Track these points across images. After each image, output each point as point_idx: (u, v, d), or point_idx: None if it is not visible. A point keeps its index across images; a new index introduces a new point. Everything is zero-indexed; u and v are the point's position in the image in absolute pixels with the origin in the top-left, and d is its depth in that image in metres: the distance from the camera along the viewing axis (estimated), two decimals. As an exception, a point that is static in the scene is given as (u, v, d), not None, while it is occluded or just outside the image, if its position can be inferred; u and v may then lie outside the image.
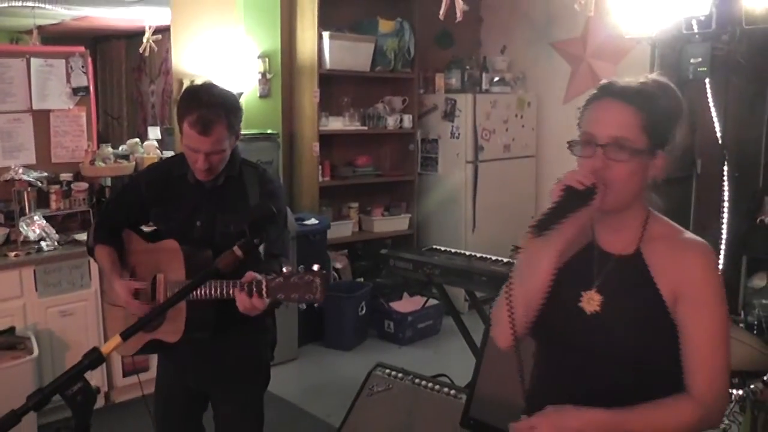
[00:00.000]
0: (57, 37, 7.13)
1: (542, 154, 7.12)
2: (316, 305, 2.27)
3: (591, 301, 1.84)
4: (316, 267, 2.20)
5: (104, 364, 4.71)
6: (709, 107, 5.59)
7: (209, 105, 2.56)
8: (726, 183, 5.59)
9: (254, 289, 2.25)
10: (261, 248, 2.36)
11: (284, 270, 2.21)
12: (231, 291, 2.34)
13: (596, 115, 1.78)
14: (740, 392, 3.44)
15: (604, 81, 1.86)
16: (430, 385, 3.87)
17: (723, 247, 5.58)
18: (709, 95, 5.57)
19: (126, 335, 1.71)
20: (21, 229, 4.66)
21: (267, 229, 1.97)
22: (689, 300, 1.75)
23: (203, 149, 2.58)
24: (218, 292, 2.39)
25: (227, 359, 2.83)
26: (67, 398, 1.64)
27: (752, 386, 3.28)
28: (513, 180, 7.04)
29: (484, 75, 7.01)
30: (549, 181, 6.78)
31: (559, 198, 1.74)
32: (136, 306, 2.64)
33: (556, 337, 1.91)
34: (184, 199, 2.78)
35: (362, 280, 6.56)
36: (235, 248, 1.96)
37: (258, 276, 2.26)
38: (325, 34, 6.19)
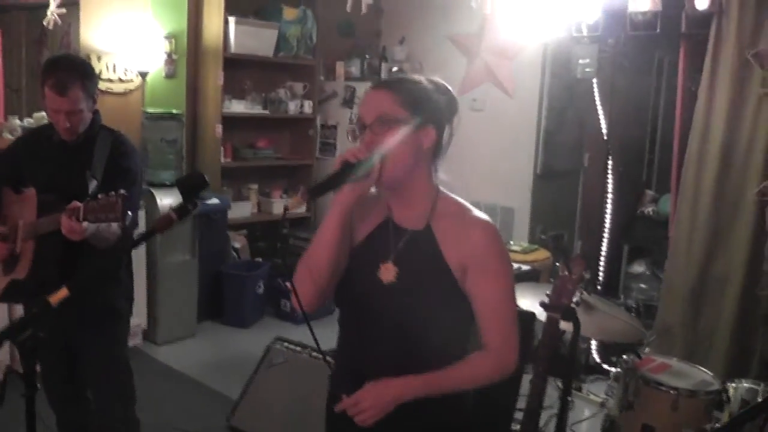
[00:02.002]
0: (-46, 6, 7.00)
1: (437, 143, 7.35)
2: (118, 224, 2.65)
3: (387, 272, 2.02)
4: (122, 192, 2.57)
5: None
6: (596, 105, 5.95)
7: (66, 69, 2.94)
8: (610, 176, 5.96)
9: (73, 215, 2.61)
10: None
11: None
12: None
13: (364, 102, 2.02)
14: (617, 369, 3.78)
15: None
16: (327, 358, 4.07)
17: (606, 235, 5.96)
18: (596, 94, 5.93)
19: (71, 286, 1.86)
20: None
21: (198, 194, 2.14)
22: (475, 270, 1.98)
23: (63, 109, 2.93)
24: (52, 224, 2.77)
25: (85, 309, 2.96)
26: (18, 344, 1.78)
27: (625, 357, 3.62)
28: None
29: (383, 64, 7.20)
30: (444, 169, 7.02)
31: (335, 169, 1.92)
32: None
33: (356, 304, 2.11)
34: (49, 156, 3.10)
35: (260, 260, 6.70)
36: (171, 212, 2.13)
37: (79, 204, 2.62)
38: (231, 19, 6.28)
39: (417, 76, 2.07)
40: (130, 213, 2.82)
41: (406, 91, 1.98)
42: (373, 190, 2.03)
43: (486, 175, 6.63)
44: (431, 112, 2.00)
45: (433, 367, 1.98)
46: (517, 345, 2.04)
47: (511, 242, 5.53)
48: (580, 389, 4.90)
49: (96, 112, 3.13)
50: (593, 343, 5.19)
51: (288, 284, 2.17)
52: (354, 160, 1.90)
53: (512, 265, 2.08)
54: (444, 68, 6.98)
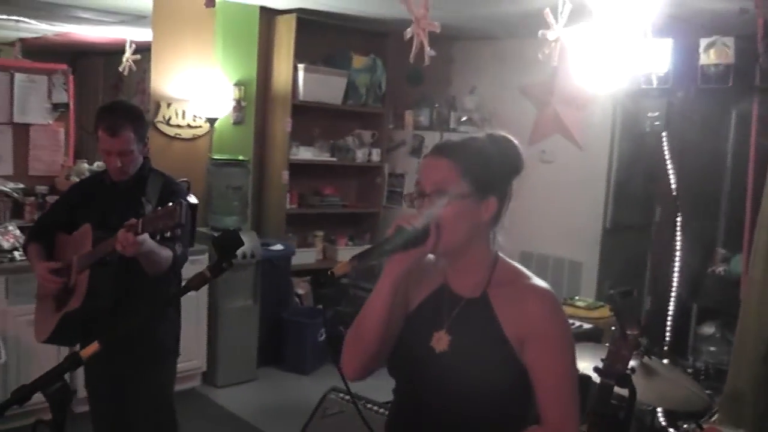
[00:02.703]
0: (37, 50, 7.24)
1: (505, 194, 7.26)
2: (179, 230, 2.71)
3: (440, 341, 1.94)
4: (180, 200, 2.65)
5: (68, 375, 4.84)
6: (665, 159, 5.82)
7: (117, 112, 3.16)
8: (679, 232, 5.80)
9: (131, 229, 2.72)
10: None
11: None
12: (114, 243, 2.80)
13: (423, 167, 1.95)
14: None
15: (437, 142, 2.05)
16: (381, 410, 4.00)
17: (674, 293, 5.78)
18: (665, 148, 5.81)
19: (102, 340, 1.86)
20: (-6, 239, 4.78)
21: (234, 254, 2.14)
22: (534, 344, 1.87)
23: (114, 149, 3.11)
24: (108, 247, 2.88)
25: (131, 342, 3.00)
26: (48, 395, 1.78)
27: (685, 426, 3.48)
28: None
29: (452, 114, 7.21)
30: (512, 220, 6.94)
31: (389, 236, 1.85)
32: (50, 280, 3.11)
33: (409, 374, 2.03)
34: (102, 199, 3.26)
35: (322, 307, 6.67)
36: (205, 270, 2.14)
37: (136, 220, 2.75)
38: (300, 67, 6.35)
39: (480, 136, 1.98)
40: (179, 247, 3.08)
41: (468, 161, 1.90)
42: (430, 256, 1.96)
43: (554, 228, 6.55)
44: (493, 182, 1.92)
45: None
46: (577, 423, 1.92)
47: (576, 298, 5.41)
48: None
49: (146, 158, 3.32)
50: (659, 406, 5.01)
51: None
52: (409, 227, 1.83)
53: (572, 338, 1.96)
54: (514, 118, 6.93)
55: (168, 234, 2.80)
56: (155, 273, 3.02)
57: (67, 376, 1.81)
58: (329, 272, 1.85)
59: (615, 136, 6.29)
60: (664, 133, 5.74)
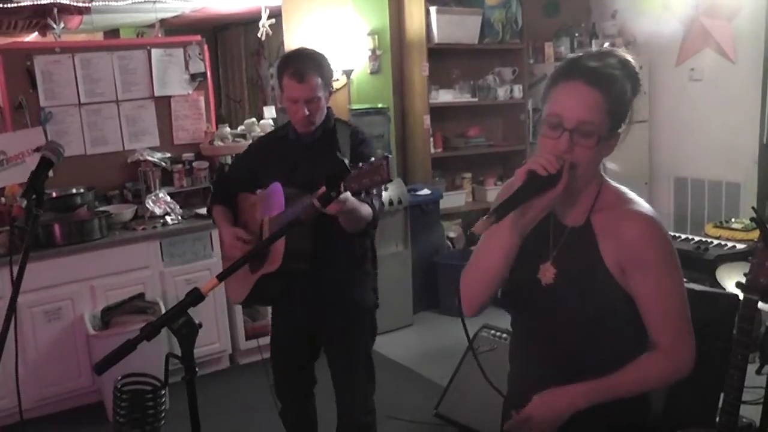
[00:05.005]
0: (178, 28, 7.49)
1: (655, 118, 6.93)
2: (385, 187, 2.47)
3: (546, 273, 1.90)
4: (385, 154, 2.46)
5: (228, 329, 5.03)
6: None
7: (303, 59, 3.01)
8: None
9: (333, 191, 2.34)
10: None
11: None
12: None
13: (564, 96, 1.78)
14: None
15: (570, 56, 1.89)
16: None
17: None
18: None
19: (222, 276, 1.89)
20: (148, 206, 5.01)
21: (338, 184, 2.13)
22: (634, 269, 1.80)
23: (302, 96, 2.96)
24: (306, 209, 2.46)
25: (332, 300, 3.10)
26: (174, 330, 1.82)
27: None
28: (625, 146, 6.89)
29: (593, 41, 6.96)
30: (663, 146, 6.69)
31: (522, 183, 1.76)
32: (238, 248, 3.03)
33: (519, 307, 1.99)
34: (286, 154, 3.12)
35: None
36: (314, 200, 2.14)
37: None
38: (432, 9, 6.27)
39: (611, 60, 1.82)
40: (377, 200, 2.96)
41: (613, 94, 1.77)
42: None
43: (708, 149, 6.28)
44: (627, 112, 1.84)
45: (605, 371, 1.83)
46: (691, 343, 1.84)
47: (733, 219, 5.14)
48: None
49: (329, 108, 3.17)
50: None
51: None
52: (544, 173, 1.74)
53: (676, 261, 1.85)
54: (659, 39, 6.66)
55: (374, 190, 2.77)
56: (354, 230, 2.91)
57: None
58: (469, 232, 1.81)
59: (768, 45, 5.92)
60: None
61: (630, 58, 1.85)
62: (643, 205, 1.87)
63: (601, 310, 1.82)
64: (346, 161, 2.32)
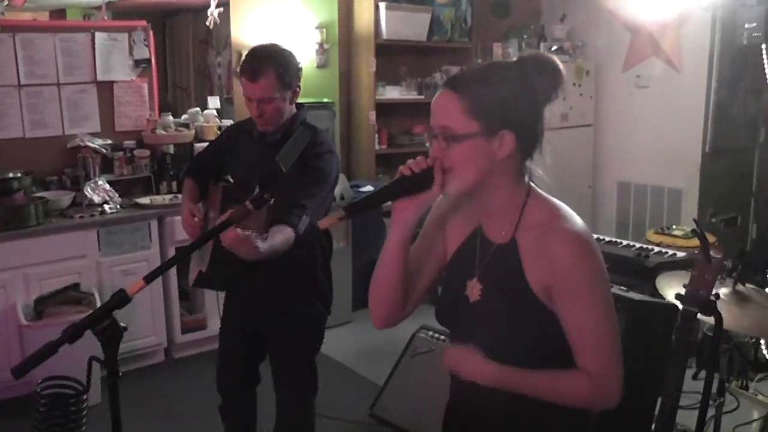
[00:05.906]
0: (126, 12, 7.34)
1: (600, 122, 7.00)
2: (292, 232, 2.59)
3: (474, 290, 1.87)
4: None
5: (164, 322, 4.97)
6: (766, 73, 5.52)
7: (260, 57, 2.92)
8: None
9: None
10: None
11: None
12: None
13: (432, 107, 1.78)
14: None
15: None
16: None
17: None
18: (766, 61, 5.50)
19: (149, 278, 1.85)
20: (86, 193, 4.91)
21: (275, 186, 2.10)
22: (561, 292, 1.74)
23: (255, 96, 2.90)
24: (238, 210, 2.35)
25: (272, 306, 3.08)
26: (97, 333, 1.79)
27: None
28: (570, 149, 6.99)
29: (542, 44, 7.01)
30: (607, 151, 6.77)
31: (387, 184, 1.78)
32: (189, 223, 3.00)
33: (453, 323, 1.98)
34: (248, 151, 3.08)
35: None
36: (247, 203, 2.11)
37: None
38: (382, 5, 6.26)
39: (503, 62, 1.84)
40: (306, 217, 2.75)
41: (476, 95, 1.72)
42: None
43: (652, 155, 6.37)
44: (508, 115, 1.73)
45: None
46: (618, 374, 1.78)
47: (674, 226, 5.22)
48: (746, 388, 4.48)
49: (301, 108, 3.11)
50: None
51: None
52: (409, 173, 1.75)
53: (605, 284, 1.79)
54: (606, 44, 6.75)
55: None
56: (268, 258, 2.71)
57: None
58: (318, 226, 1.80)
59: (714, 53, 6.01)
60: (763, 45, 5.44)
61: (536, 56, 1.80)
62: (571, 220, 1.79)
63: (526, 329, 1.79)
64: (283, 167, 2.30)
